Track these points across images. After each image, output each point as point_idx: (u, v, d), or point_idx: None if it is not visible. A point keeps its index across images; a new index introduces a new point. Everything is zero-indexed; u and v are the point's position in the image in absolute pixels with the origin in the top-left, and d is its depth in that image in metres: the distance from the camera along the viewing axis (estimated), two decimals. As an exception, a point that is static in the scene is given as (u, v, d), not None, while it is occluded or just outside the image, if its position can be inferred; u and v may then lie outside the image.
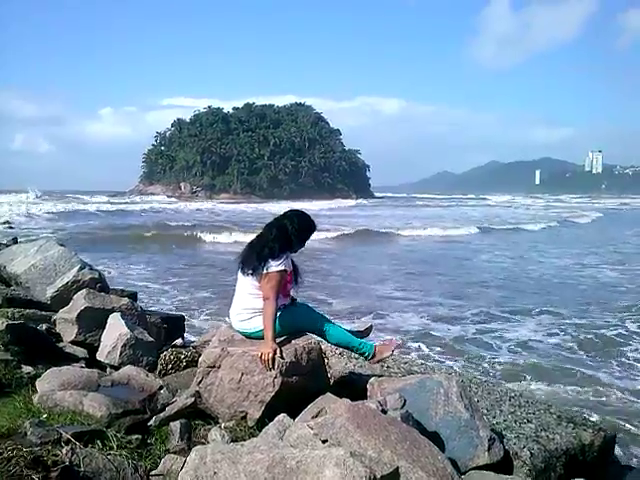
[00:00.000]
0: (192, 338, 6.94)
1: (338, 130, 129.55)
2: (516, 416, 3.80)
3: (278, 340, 3.61)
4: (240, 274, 3.87)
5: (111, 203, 56.53)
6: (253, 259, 3.77)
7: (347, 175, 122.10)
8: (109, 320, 4.91)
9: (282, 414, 3.07)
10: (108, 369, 4.47)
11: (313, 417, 3.04)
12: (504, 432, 3.50)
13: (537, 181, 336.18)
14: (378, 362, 4.12)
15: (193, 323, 9.43)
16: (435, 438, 2.97)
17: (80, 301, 5.23)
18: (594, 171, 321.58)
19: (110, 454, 2.76)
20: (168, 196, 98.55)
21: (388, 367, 4.64)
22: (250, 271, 3.77)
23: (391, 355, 4.22)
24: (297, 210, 4.14)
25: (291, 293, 3.99)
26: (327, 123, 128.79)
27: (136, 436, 3.13)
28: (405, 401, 3.12)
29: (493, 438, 3.13)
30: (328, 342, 3.98)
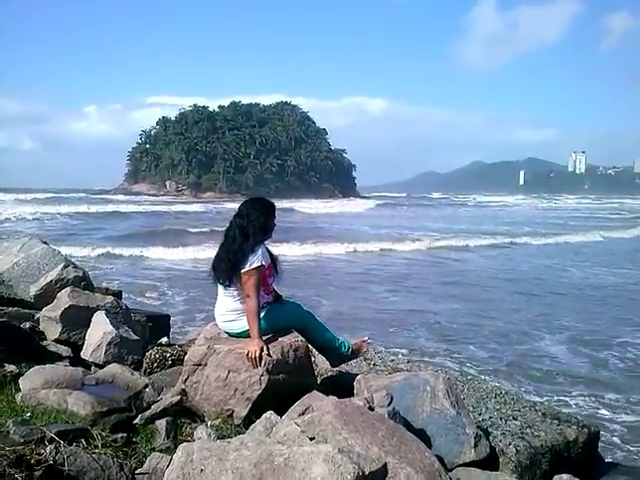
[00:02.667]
0: (178, 337, 6.89)
1: (324, 129, 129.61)
2: (502, 413, 3.83)
3: (264, 338, 3.60)
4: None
5: (99, 202, 55.03)
6: (225, 270, 3.71)
7: (333, 174, 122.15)
8: (93, 318, 4.86)
9: (269, 412, 3.07)
10: (93, 368, 4.42)
11: (300, 415, 3.03)
12: (490, 429, 3.53)
13: (521, 181, 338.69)
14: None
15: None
16: (422, 435, 2.98)
17: (64, 299, 5.17)
18: (577, 171, 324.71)
19: (95, 453, 2.73)
20: (153, 194, 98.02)
21: (375, 365, 4.65)
22: (227, 282, 3.72)
23: (365, 353, 4.29)
24: (247, 200, 4.02)
25: (274, 287, 3.96)
26: (313, 122, 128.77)
27: (121, 434, 3.09)
28: (392, 398, 3.13)
29: (479, 435, 3.15)
30: (310, 342, 3.89)
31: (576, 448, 3.69)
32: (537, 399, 6.01)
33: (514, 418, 3.76)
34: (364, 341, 4.21)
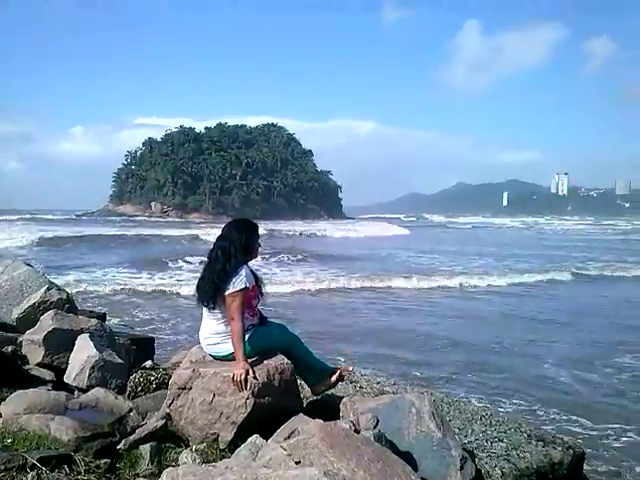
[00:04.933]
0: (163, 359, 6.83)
1: (310, 151, 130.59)
2: (487, 435, 3.83)
3: (250, 361, 3.58)
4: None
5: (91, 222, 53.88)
6: (209, 292, 3.70)
7: (319, 196, 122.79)
8: (77, 342, 4.81)
9: (255, 435, 3.05)
10: (76, 392, 4.37)
11: (286, 438, 3.02)
12: (476, 451, 3.53)
13: (505, 203, 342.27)
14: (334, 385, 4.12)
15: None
16: (408, 457, 2.97)
17: (47, 322, 5.12)
18: (560, 193, 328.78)
19: (78, 479, 2.70)
20: (138, 216, 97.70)
21: (361, 387, 4.64)
22: (211, 305, 3.72)
23: (342, 380, 4.23)
24: (229, 222, 4.03)
25: (258, 307, 3.96)
26: (299, 144, 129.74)
27: (105, 460, 3.06)
28: (378, 421, 3.13)
29: (465, 457, 3.14)
30: (294, 364, 3.79)
31: (561, 470, 3.69)
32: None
33: (500, 440, 3.76)
34: (347, 369, 4.24)
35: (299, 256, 27.84)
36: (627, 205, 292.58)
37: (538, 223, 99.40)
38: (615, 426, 6.71)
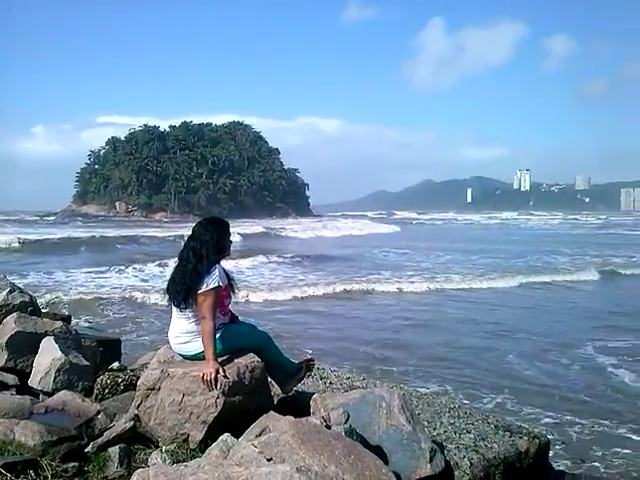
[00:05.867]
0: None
1: (277, 149, 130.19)
2: (456, 427, 3.90)
3: (220, 359, 3.56)
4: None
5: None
6: (181, 292, 3.66)
7: (287, 194, 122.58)
8: (42, 345, 4.71)
9: (226, 434, 3.03)
10: (41, 396, 4.28)
11: (257, 436, 3.02)
12: (445, 443, 3.58)
13: (469, 199, 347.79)
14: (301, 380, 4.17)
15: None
16: (379, 451, 3.01)
17: (10, 325, 4.99)
18: (522, 189, 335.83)
19: (45, 484, 2.65)
20: (102, 216, 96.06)
21: (331, 383, 4.66)
22: (182, 305, 3.67)
23: (310, 370, 4.29)
24: (200, 221, 3.97)
25: (229, 307, 3.95)
26: (266, 142, 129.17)
27: (72, 464, 3.02)
28: (348, 416, 3.15)
29: (434, 449, 3.20)
30: (265, 362, 3.80)
31: (528, 459, 3.78)
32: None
33: (468, 431, 3.83)
34: (309, 360, 4.26)
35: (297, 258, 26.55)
36: (587, 200, 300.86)
37: (508, 219, 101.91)
38: (577, 415, 6.90)
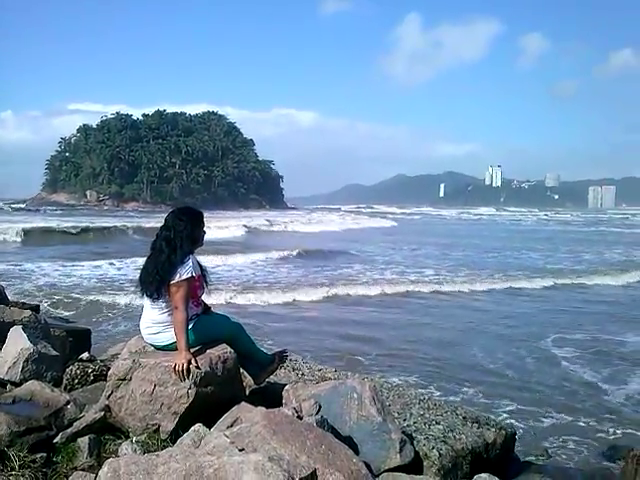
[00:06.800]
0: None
1: (252, 140, 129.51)
2: (425, 418, 3.95)
3: (192, 350, 3.55)
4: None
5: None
6: (154, 282, 3.62)
7: (261, 185, 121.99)
8: (9, 334, 4.62)
9: (197, 424, 3.03)
10: (9, 386, 4.21)
11: (229, 426, 3.03)
12: (414, 434, 3.64)
13: (441, 194, 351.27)
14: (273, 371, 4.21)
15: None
16: (350, 442, 3.05)
17: (-24, 314, 4.90)
18: (494, 185, 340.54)
19: (12, 475, 2.62)
20: (72, 205, 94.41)
21: (303, 374, 4.69)
22: (155, 296, 3.64)
23: (283, 362, 4.35)
24: (172, 211, 3.92)
25: (203, 298, 3.93)
26: (240, 133, 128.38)
27: (41, 454, 2.98)
28: (320, 407, 3.18)
29: (404, 440, 3.25)
30: (237, 353, 3.79)
31: (494, 449, 3.87)
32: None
33: (437, 423, 3.89)
34: (282, 351, 4.30)
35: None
36: (556, 197, 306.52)
37: (492, 214, 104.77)
38: (542, 407, 7.07)
